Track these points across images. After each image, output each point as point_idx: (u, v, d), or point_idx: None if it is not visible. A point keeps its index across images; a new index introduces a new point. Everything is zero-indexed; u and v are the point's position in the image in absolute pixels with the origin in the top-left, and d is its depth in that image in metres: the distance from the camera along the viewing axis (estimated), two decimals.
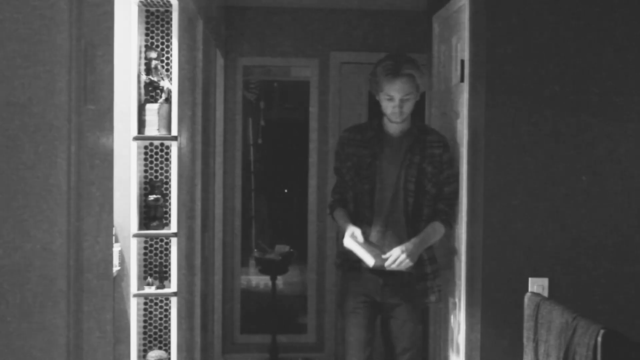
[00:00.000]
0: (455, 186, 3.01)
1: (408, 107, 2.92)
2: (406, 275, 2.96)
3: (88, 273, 1.44)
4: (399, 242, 2.90)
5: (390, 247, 2.88)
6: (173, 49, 3.10)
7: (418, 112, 4.12)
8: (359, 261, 2.94)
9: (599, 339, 1.98)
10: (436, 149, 2.97)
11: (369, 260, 2.84)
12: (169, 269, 3.16)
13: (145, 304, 3.20)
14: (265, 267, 5.15)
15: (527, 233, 2.77)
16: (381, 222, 2.95)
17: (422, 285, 3.00)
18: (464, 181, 2.98)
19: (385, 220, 2.95)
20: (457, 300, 3.09)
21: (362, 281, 3.00)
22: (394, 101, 2.89)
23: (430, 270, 3.02)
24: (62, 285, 1.30)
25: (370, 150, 2.98)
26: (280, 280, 5.30)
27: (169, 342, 3.17)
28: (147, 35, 3.16)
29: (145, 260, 3.19)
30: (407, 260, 2.83)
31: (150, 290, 3.12)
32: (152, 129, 3.06)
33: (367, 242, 2.89)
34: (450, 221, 3.03)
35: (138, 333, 3.17)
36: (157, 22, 3.17)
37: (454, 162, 3.01)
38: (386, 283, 2.98)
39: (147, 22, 3.16)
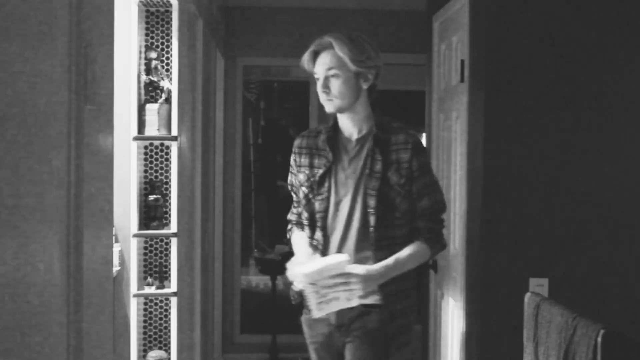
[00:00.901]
0: (435, 198, 2.38)
1: (336, 88, 2.31)
2: (369, 311, 2.33)
3: (88, 273, 1.44)
4: None
5: None
6: (173, 49, 3.10)
7: (418, 112, 4.13)
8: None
9: (599, 339, 1.98)
10: (403, 153, 2.32)
11: (316, 310, 2.27)
12: (169, 269, 3.16)
13: (145, 304, 3.20)
14: (265, 267, 5.16)
15: (527, 233, 2.77)
16: (335, 252, 2.35)
17: (386, 323, 2.34)
18: (464, 181, 2.98)
19: (338, 250, 2.34)
20: (457, 300, 3.09)
21: (316, 324, 2.44)
22: (320, 80, 2.35)
23: (401, 307, 2.35)
24: (61, 286, 1.30)
25: (324, 159, 2.39)
26: (280, 280, 5.30)
27: (169, 342, 3.17)
28: (147, 35, 3.16)
29: (145, 260, 3.19)
30: (359, 289, 2.21)
31: (150, 290, 3.13)
32: (152, 129, 3.06)
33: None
34: (437, 240, 2.38)
35: (138, 333, 3.17)
36: (157, 22, 3.17)
37: (427, 168, 2.38)
38: (340, 323, 2.38)
39: (147, 22, 3.16)
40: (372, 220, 2.29)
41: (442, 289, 3.38)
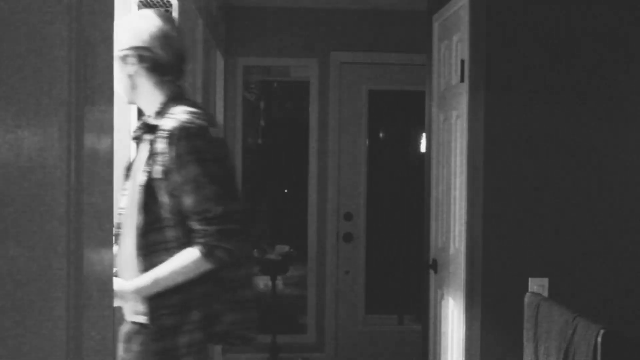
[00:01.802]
0: (201, 196, 1.93)
1: (124, 71, 2.07)
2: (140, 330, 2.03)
3: (87, 273, 1.44)
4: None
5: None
6: None
7: (418, 112, 4.13)
8: None
9: (599, 339, 1.98)
10: (161, 143, 1.96)
11: None
12: None
13: None
14: (265, 267, 5.16)
15: (527, 233, 2.77)
16: (118, 251, 2.12)
17: (159, 345, 1.96)
18: (464, 181, 2.98)
19: (119, 249, 2.11)
20: (457, 300, 3.09)
21: None
22: None
23: (174, 322, 1.95)
24: (61, 286, 1.30)
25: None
26: (280, 280, 5.30)
27: None
28: None
29: None
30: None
31: None
32: None
33: None
34: (215, 246, 1.93)
35: None
36: None
37: (187, 159, 1.94)
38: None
39: None
40: (140, 220, 1.97)
41: (442, 289, 3.38)
